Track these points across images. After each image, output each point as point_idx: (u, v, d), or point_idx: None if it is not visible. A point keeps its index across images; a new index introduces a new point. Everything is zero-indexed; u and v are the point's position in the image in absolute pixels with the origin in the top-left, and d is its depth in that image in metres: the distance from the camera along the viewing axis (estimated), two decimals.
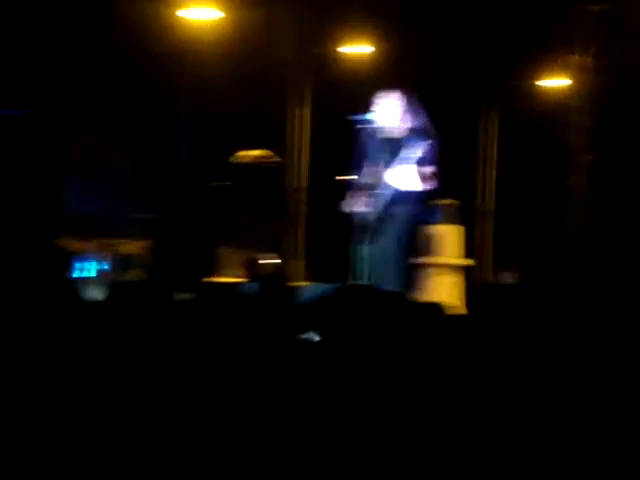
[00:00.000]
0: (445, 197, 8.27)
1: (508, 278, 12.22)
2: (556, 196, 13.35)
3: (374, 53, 11.98)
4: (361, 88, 9.69)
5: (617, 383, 2.63)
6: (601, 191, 13.05)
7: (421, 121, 7.38)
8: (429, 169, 7.31)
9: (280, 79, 11.77)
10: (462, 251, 9.88)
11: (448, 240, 8.71)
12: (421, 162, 7.26)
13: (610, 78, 12.99)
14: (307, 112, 12.15)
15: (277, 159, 11.44)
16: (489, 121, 13.59)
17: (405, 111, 7.38)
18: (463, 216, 9.69)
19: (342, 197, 7.43)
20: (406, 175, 7.25)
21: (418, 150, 7.21)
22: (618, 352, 2.91)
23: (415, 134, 7.33)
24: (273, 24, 11.26)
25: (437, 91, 7.77)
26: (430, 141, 7.25)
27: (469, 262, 10.14)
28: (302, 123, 12.19)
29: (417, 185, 7.29)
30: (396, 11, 11.37)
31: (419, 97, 7.48)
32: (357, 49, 12.06)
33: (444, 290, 8.18)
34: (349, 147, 7.43)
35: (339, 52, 12.11)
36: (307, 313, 3.28)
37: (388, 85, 7.56)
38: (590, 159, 13.23)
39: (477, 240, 13.36)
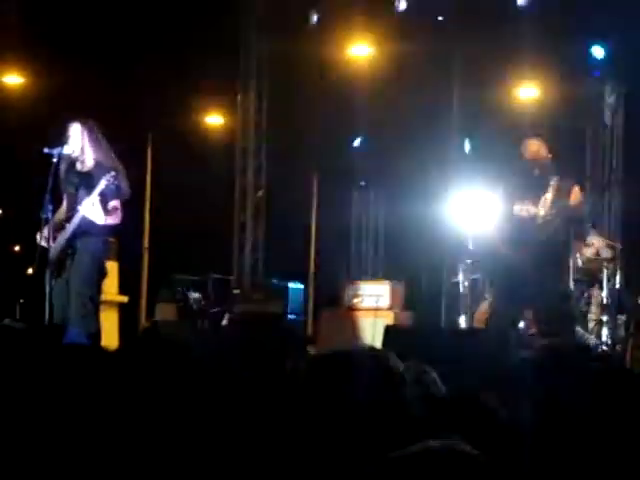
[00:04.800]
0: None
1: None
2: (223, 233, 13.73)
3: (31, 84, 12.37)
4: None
5: None
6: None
7: (105, 153, 7.30)
8: (113, 203, 7.22)
9: None
10: (116, 288, 10.34)
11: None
12: (105, 195, 7.16)
13: (272, 118, 13.53)
14: None
15: None
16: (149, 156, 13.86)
17: (90, 142, 7.30)
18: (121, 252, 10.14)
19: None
20: (92, 208, 7.14)
21: (102, 183, 7.09)
22: None
23: (100, 167, 7.23)
24: None
25: (109, 125, 7.72)
26: (114, 174, 7.13)
27: (123, 299, 10.61)
28: None
29: (101, 219, 7.18)
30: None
31: (100, 129, 7.42)
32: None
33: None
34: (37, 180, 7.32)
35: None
36: None
37: (69, 117, 7.46)
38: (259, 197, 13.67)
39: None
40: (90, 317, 7.04)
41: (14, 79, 12.77)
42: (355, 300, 10.61)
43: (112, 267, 10.08)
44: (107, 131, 7.51)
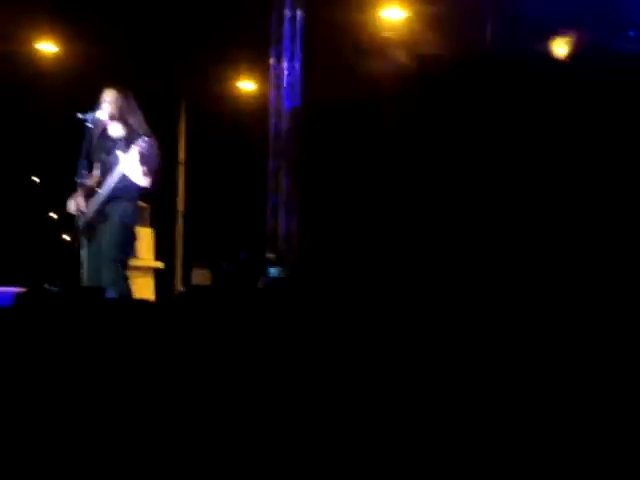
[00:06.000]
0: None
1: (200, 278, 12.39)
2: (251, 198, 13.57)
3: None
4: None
5: None
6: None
7: (139, 121, 7.28)
8: (145, 168, 7.18)
9: None
10: (152, 254, 10.22)
11: (139, 242, 8.61)
12: (138, 160, 7.14)
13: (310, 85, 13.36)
14: None
15: None
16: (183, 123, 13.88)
17: (125, 109, 7.28)
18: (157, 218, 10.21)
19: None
20: (125, 173, 7.16)
21: (136, 148, 7.09)
22: None
23: (133, 133, 7.22)
24: None
25: (140, 91, 7.65)
26: (147, 139, 7.11)
27: (159, 265, 10.51)
28: None
29: (135, 183, 7.19)
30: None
31: (133, 95, 7.40)
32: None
33: (137, 292, 7.96)
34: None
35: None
36: None
37: (104, 82, 7.47)
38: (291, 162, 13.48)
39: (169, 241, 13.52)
40: (121, 281, 7.09)
41: (48, 47, 12.87)
42: None
43: (147, 233, 10.15)
44: (141, 97, 7.54)
